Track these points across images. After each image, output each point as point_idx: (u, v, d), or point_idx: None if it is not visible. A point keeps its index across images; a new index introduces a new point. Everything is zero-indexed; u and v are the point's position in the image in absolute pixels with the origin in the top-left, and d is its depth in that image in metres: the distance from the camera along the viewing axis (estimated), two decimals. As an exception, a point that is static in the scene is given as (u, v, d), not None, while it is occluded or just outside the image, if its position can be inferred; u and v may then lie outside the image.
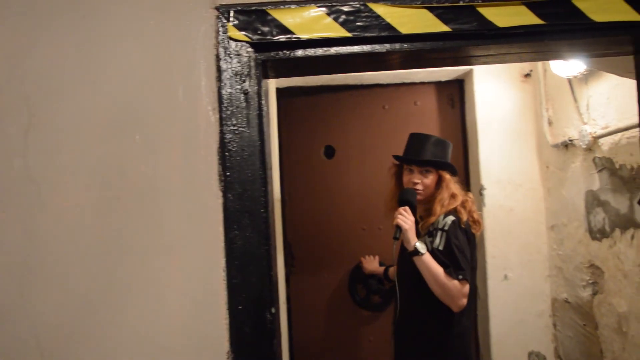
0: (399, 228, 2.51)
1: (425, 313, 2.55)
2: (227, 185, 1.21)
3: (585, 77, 2.75)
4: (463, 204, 2.58)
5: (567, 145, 2.99)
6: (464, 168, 3.59)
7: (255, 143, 1.21)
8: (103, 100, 1.23)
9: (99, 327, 1.20)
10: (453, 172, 2.65)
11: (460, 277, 2.40)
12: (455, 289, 2.41)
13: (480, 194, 3.35)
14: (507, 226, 3.34)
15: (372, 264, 3.42)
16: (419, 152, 2.64)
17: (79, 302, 1.21)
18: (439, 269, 2.42)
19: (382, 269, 3.34)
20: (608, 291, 2.69)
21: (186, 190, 1.22)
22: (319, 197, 3.62)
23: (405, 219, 2.50)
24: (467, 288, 2.43)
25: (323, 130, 3.65)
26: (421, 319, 2.58)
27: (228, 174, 1.21)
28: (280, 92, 3.48)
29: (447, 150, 2.68)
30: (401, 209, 2.54)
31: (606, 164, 2.63)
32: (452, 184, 2.60)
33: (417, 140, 2.70)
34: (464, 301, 2.43)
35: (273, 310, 1.21)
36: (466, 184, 3.57)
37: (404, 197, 2.60)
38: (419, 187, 2.61)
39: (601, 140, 2.65)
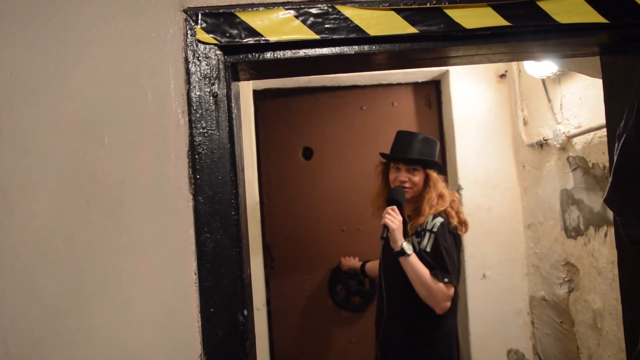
0: (386, 227, 2.49)
1: (411, 313, 2.55)
2: (198, 188, 1.20)
3: (559, 78, 2.78)
4: (451, 205, 2.58)
5: (542, 144, 3.03)
6: (441, 168, 3.61)
7: (225, 146, 1.21)
8: (71, 103, 1.22)
9: (68, 333, 1.19)
10: (440, 171, 2.66)
11: (446, 280, 2.40)
12: (440, 292, 2.40)
13: (458, 194, 3.37)
14: (484, 225, 3.37)
15: (350, 261, 3.44)
16: (406, 150, 2.63)
17: (48, 307, 1.20)
18: (424, 271, 2.42)
19: (359, 264, 3.35)
20: (583, 288, 2.72)
21: (156, 194, 1.21)
22: (297, 198, 3.62)
23: (393, 218, 2.48)
24: (452, 291, 2.44)
25: (301, 132, 3.65)
26: (407, 319, 2.58)
27: (198, 176, 1.20)
28: (257, 94, 3.49)
29: (434, 148, 2.68)
30: (389, 209, 2.52)
31: (580, 163, 2.66)
32: (439, 183, 2.60)
33: (404, 138, 2.69)
34: (448, 304, 2.44)
35: (245, 312, 1.20)
36: (444, 184, 3.59)
37: (393, 197, 2.58)
38: (407, 185, 2.59)
39: (575, 140, 2.69)
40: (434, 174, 2.60)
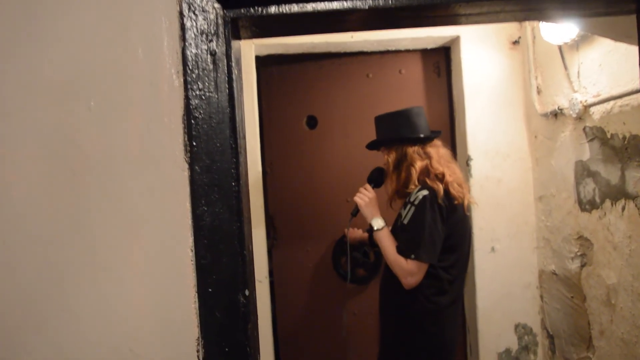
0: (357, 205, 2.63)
1: (393, 285, 2.51)
2: (194, 156, 1.08)
3: (577, 43, 2.64)
4: (433, 174, 2.49)
5: (557, 114, 2.90)
6: (450, 138, 3.50)
7: (225, 110, 1.08)
8: (53, 62, 1.09)
9: (53, 315, 1.09)
10: (413, 142, 2.56)
11: (413, 256, 2.36)
12: (398, 267, 2.40)
13: (467, 165, 3.26)
14: (494, 197, 3.27)
15: (356, 233, 3.35)
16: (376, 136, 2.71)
17: (30, 288, 1.08)
18: (390, 246, 2.44)
19: (366, 235, 3.27)
20: (597, 263, 2.63)
21: (148, 163, 1.09)
22: (301, 168, 3.53)
23: (363, 195, 2.61)
24: (414, 267, 2.37)
25: (305, 100, 3.54)
26: (390, 291, 2.60)
27: (195, 144, 1.08)
28: (259, 60, 3.36)
29: (394, 122, 2.61)
30: (362, 187, 2.64)
31: (597, 133, 2.54)
32: (391, 158, 2.58)
33: (375, 125, 2.72)
34: (410, 280, 2.39)
35: (247, 292, 1.10)
36: (453, 155, 3.49)
37: (369, 176, 2.73)
38: (386, 166, 2.65)
39: (592, 109, 2.56)
40: (388, 154, 2.61)
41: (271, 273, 3.49)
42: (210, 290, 1.09)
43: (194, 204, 1.09)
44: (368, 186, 2.65)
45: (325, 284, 3.55)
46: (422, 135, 2.56)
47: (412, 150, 2.54)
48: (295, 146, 3.54)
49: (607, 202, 2.49)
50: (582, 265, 2.77)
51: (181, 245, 1.10)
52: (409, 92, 3.51)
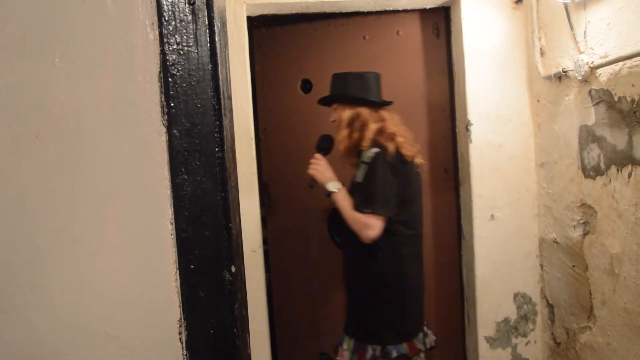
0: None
1: (352, 246, 2.63)
2: (172, 118, 0.97)
3: (584, 1, 2.51)
4: (385, 133, 2.57)
5: (561, 76, 2.79)
6: (449, 102, 3.40)
7: (206, 66, 0.96)
8: (11, 13, 0.97)
9: (20, 294, 0.98)
10: (353, 102, 2.62)
11: (369, 210, 2.44)
12: (355, 222, 2.48)
13: (467, 130, 3.16)
14: (494, 163, 3.17)
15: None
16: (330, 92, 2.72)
17: None
18: (347, 204, 2.53)
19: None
20: (600, 231, 2.55)
21: (121, 126, 0.97)
22: (296, 134, 3.42)
23: (315, 166, 2.68)
24: (370, 220, 2.45)
25: (299, 63, 3.42)
26: (350, 252, 2.74)
27: (172, 104, 0.96)
28: (251, 21, 3.22)
29: (354, 81, 2.65)
30: (312, 159, 2.71)
31: (604, 96, 2.43)
32: (348, 115, 2.61)
33: (332, 81, 2.74)
34: (368, 233, 2.45)
35: (233, 268, 1.00)
36: (452, 119, 3.39)
37: (317, 145, 2.80)
38: (336, 123, 2.70)
39: (599, 71, 2.45)
40: (342, 111, 2.64)
41: (265, 241, 3.42)
42: (192, 267, 0.99)
43: (172, 172, 0.97)
44: (318, 155, 2.71)
45: (321, 252, 3.48)
46: (375, 100, 2.64)
47: (366, 112, 2.61)
48: (289, 111, 3.43)
49: (613, 169, 2.40)
50: (585, 234, 2.69)
51: (159, 218, 0.99)
52: (407, 55, 3.39)
